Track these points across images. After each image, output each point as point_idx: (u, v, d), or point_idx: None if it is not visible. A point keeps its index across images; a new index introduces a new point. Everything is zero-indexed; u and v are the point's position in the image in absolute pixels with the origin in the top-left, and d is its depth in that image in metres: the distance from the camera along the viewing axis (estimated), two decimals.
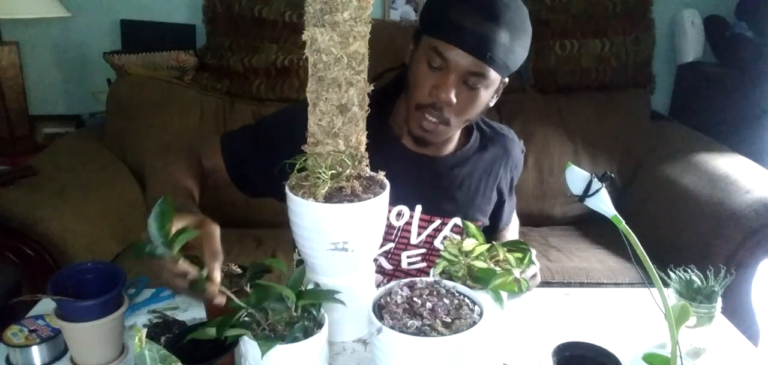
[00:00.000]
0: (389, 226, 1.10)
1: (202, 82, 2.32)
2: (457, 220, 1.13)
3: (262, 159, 1.04)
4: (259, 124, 1.14)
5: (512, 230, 1.32)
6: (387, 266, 1.14)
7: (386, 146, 1.05)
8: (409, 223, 1.11)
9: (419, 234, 1.12)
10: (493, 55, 0.96)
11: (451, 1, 0.98)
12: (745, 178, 1.86)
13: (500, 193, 1.22)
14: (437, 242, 1.13)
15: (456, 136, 1.14)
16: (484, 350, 0.86)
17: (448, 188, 1.13)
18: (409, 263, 1.14)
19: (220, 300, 0.75)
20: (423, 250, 1.14)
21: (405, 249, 1.13)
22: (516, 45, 0.98)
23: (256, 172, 1.06)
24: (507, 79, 1.06)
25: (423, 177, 1.11)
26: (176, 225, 0.73)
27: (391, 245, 1.12)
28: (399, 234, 1.11)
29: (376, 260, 1.13)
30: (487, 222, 1.21)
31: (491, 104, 1.08)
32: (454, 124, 1.04)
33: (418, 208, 1.11)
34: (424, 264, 1.15)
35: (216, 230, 0.78)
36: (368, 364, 0.86)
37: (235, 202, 2.08)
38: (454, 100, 0.99)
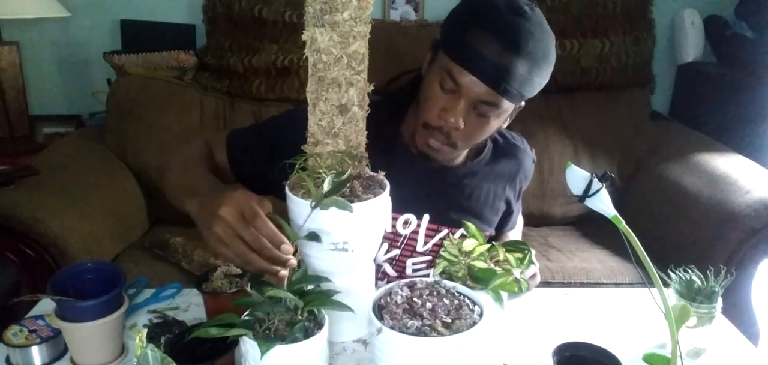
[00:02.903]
0: (395, 233, 1.10)
1: (202, 82, 2.32)
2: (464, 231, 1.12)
3: (264, 158, 1.04)
4: (266, 123, 1.14)
5: (515, 232, 1.31)
6: (391, 272, 1.14)
7: (396, 153, 1.05)
8: (415, 231, 1.11)
9: (426, 242, 1.12)
10: (508, 86, 0.92)
11: (471, 23, 0.93)
12: (745, 178, 1.86)
13: (508, 203, 1.21)
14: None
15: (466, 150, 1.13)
16: (484, 350, 0.86)
17: (457, 198, 1.12)
18: (414, 270, 1.14)
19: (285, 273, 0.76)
20: (429, 258, 1.13)
21: (410, 256, 1.13)
22: (534, 76, 0.94)
23: (258, 171, 1.06)
24: (523, 104, 1.03)
25: (432, 186, 1.10)
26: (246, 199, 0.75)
27: (397, 252, 1.12)
28: (405, 242, 1.11)
29: (380, 266, 1.13)
30: (492, 232, 1.21)
31: (503, 127, 1.07)
32: (460, 147, 1.03)
33: (426, 217, 1.10)
34: (429, 272, 1.14)
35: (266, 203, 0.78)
36: (368, 364, 0.86)
37: None
38: (462, 125, 0.97)
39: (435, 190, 1.10)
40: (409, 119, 1.10)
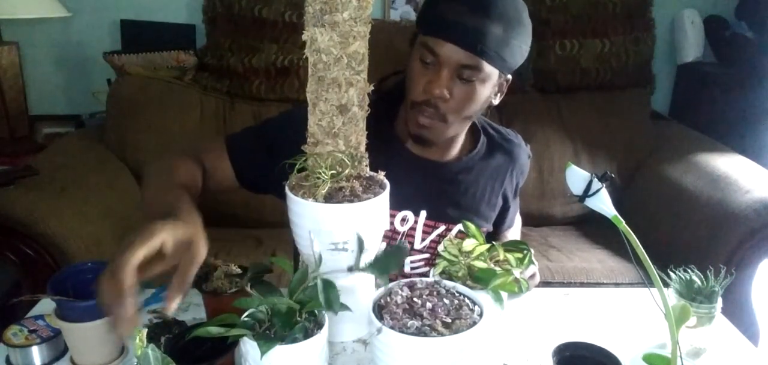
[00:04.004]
0: (393, 231, 1.09)
1: (202, 82, 2.32)
2: (462, 226, 1.12)
3: (263, 159, 1.03)
4: (263, 125, 1.13)
5: (514, 231, 1.31)
6: None
7: (391, 151, 1.05)
8: (413, 228, 1.11)
9: (423, 239, 1.12)
10: (484, 47, 0.94)
11: None
12: (745, 178, 1.86)
13: (505, 199, 1.21)
14: (441, 248, 1.12)
15: (461, 139, 1.13)
16: (484, 350, 0.86)
17: (454, 194, 1.12)
18: (413, 269, 1.14)
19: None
20: (426, 255, 1.13)
21: (408, 255, 1.13)
22: (511, 38, 0.96)
23: (262, 173, 1.04)
24: (510, 77, 1.05)
25: (428, 182, 1.10)
26: (161, 235, 0.66)
27: (392, 244, 1.12)
28: (403, 240, 1.11)
29: None
30: (490, 228, 1.21)
31: (495, 102, 1.07)
32: (452, 121, 1.02)
33: (423, 214, 1.10)
34: (427, 269, 1.14)
35: (198, 257, 0.70)
36: (368, 364, 0.86)
37: (234, 202, 2.08)
38: (448, 95, 0.98)
39: (431, 186, 1.10)
40: (401, 116, 1.10)
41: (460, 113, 1.02)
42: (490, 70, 0.98)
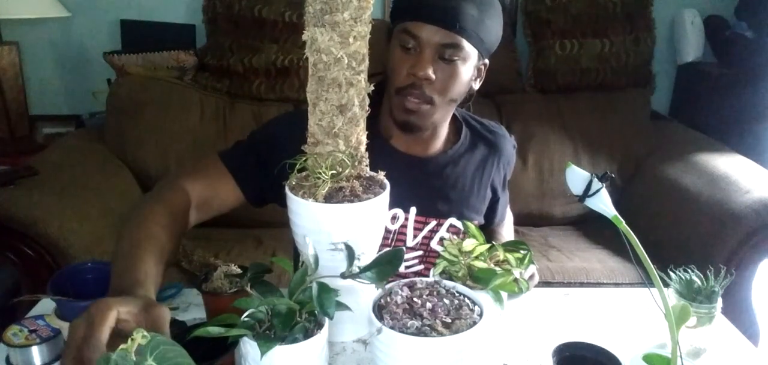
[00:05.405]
0: (385, 230, 1.09)
1: (202, 82, 2.32)
2: (453, 220, 1.12)
3: (266, 169, 1.01)
4: (251, 138, 1.09)
5: (507, 226, 1.31)
6: None
7: (376, 149, 1.04)
8: (404, 226, 1.10)
9: (415, 237, 1.12)
10: (462, 25, 0.96)
11: None
12: (745, 178, 1.86)
13: (494, 191, 1.21)
14: (434, 244, 1.12)
15: (444, 132, 1.13)
16: (484, 350, 0.86)
17: (442, 188, 1.12)
18: (407, 267, 1.14)
19: None
20: (420, 252, 1.13)
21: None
22: (485, 18, 0.98)
23: (265, 183, 1.02)
24: (487, 62, 1.06)
25: (415, 178, 1.10)
26: (118, 310, 0.65)
27: (388, 250, 1.11)
28: (395, 238, 1.11)
29: None
30: (482, 221, 1.20)
31: (475, 87, 1.08)
32: (438, 103, 1.02)
33: (413, 210, 1.10)
34: (421, 267, 1.14)
35: (164, 315, 0.67)
36: (368, 364, 0.86)
37: None
38: (432, 75, 0.98)
39: (419, 182, 1.10)
40: (384, 113, 1.10)
41: (445, 95, 1.02)
42: (470, 50, 1.00)
